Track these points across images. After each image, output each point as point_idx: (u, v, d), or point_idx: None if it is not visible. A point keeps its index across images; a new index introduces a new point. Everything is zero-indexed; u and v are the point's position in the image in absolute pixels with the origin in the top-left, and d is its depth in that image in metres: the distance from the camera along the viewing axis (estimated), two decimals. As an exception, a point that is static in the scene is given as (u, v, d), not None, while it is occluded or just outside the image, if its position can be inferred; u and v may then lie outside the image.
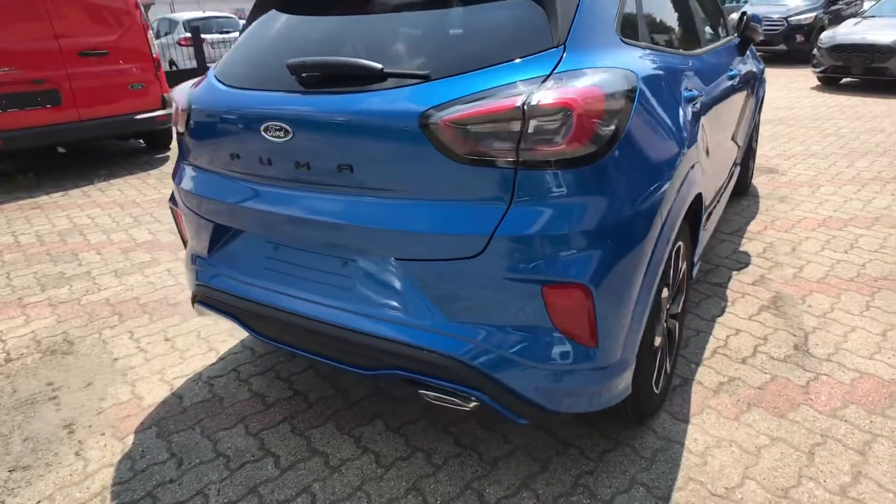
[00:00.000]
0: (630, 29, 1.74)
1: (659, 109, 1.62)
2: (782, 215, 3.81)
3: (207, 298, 1.99)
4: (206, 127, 1.76)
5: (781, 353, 2.32)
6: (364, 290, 1.57)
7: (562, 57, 1.40)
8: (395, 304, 1.53)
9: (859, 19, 8.97)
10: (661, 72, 1.73)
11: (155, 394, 2.31)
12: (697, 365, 2.28)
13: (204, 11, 15.29)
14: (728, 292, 2.84)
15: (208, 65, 12.90)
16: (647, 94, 1.55)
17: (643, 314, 1.54)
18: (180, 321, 2.86)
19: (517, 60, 1.39)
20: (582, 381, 1.46)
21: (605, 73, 1.41)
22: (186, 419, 2.15)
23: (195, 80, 2.06)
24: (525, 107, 1.27)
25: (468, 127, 1.31)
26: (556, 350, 1.42)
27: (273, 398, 2.23)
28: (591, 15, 1.51)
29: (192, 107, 1.80)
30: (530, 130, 1.28)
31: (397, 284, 1.51)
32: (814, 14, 10.99)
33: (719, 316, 2.64)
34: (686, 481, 1.72)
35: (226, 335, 2.71)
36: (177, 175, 2.02)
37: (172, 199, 2.13)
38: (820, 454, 1.80)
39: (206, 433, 2.06)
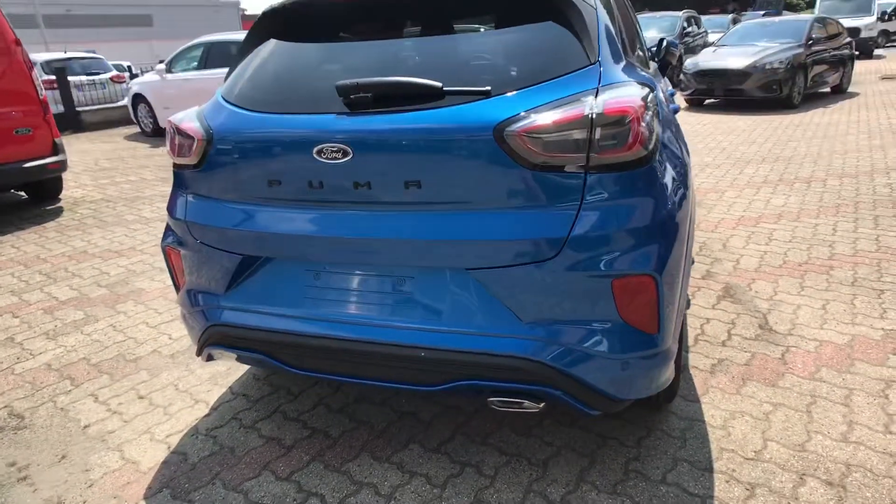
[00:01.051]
0: (622, 47, 1.97)
1: (666, 117, 1.85)
2: (702, 218, 4.31)
3: (225, 339, 1.89)
4: (237, 155, 1.71)
5: (751, 333, 2.65)
6: (430, 305, 1.60)
7: (601, 72, 1.57)
8: (465, 314, 1.57)
9: (715, 48, 10.42)
10: (654, 85, 1.97)
11: (151, 455, 2.11)
12: (687, 352, 2.53)
13: (66, 52, 14.10)
14: (686, 287, 3.17)
15: (78, 108, 11.92)
16: (659, 103, 1.77)
17: (682, 300, 1.73)
18: (149, 376, 2.63)
19: (564, 76, 1.54)
20: (645, 367, 1.60)
21: (635, 84, 1.60)
22: (200, 475, 1.99)
23: (188, 111, 1.98)
24: (592, 115, 1.42)
25: (542, 136, 1.42)
26: (624, 340, 1.54)
27: (290, 440, 2.13)
28: (607, 35, 1.70)
29: (216, 135, 1.73)
30: (597, 137, 1.42)
31: (468, 295, 1.57)
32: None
33: (687, 309, 2.94)
34: (720, 452, 1.91)
35: (208, 384, 2.53)
36: (180, 210, 1.91)
37: (170, 238, 2.00)
38: (815, 411, 2.08)
39: (231, 486, 1.92)
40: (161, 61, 10.66)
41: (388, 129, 1.51)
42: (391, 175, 1.53)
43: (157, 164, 7.64)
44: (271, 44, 1.90)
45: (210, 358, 2.02)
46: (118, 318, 3.24)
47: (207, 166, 1.78)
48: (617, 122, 1.43)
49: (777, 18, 12.79)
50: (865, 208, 4.26)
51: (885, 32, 20.17)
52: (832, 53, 10.12)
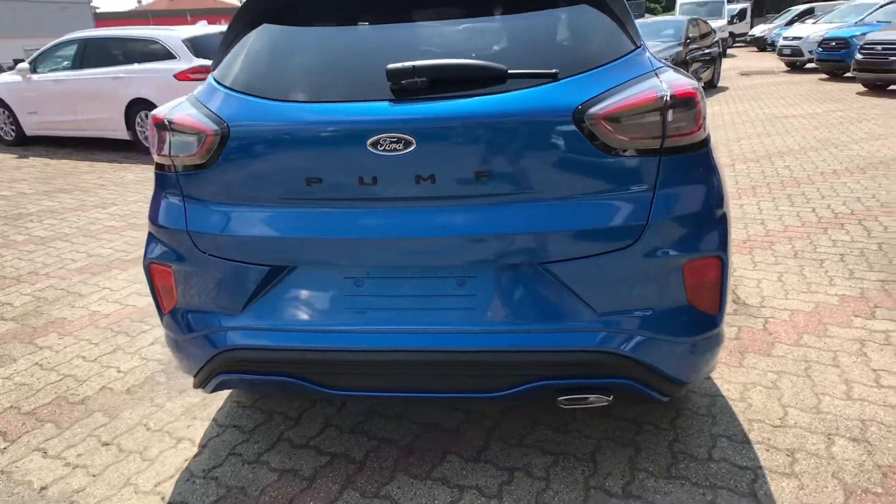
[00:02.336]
0: None
1: None
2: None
3: (242, 364, 1.64)
4: (262, 150, 1.48)
5: (730, 308, 2.81)
6: (497, 305, 1.49)
7: (648, 57, 1.55)
8: (537, 311, 1.48)
9: None
10: None
11: (143, 511, 1.79)
12: (679, 331, 2.62)
13: None
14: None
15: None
16: None
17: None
18: (107, 418, 2.25)
19: (618, 60, 1.50)
20: (707, 348, 1.60)
21: (675, 70, 1.60)
22: (215, 525, 1.72)
23: (175, 104, 1.70)
24: (666, 98, 1.39)
25: (622, 119, 1.37)
26: (691, 323, 1.54)
27: (309, 470, 1.91)
28: (634, 20, 1.69)
29: (233, 129, 1.48)
30: (669, 119, 1.40)
31: (540, 290, 1.48)
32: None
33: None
34: (749, 424, 1.99)
35: (185, 419, 2.22)
36: (174, 219, 1.63)
37: (158, 252, 1.70)
38: (814, 375, 2.24)
39: (257, 532, 1.68)
40: (19, 60, 9.33)
41: (458, 116, 1.37)
42: (459, 166, 1.40)
43: (35, 177, 6.66)
44: (275, 27, 1.68)
45: (218, 388, 1.76)
46: (43, 355, 2.75)
47: (220, 165, 1.52)
48: (685, 104, 1.42)
49: (654, 18, 13.89)
50: (777, 188, 4.73)
51: (731, 34, 22.81)
52: (704, 51, 11.17)
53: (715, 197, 1.50)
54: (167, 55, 7.11)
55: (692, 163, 1.47)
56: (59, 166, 7.22)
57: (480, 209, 1.43)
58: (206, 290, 1.65)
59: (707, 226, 1.49)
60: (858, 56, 9.36)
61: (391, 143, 1.38)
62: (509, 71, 1.41)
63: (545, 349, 1.48)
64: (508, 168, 1.40)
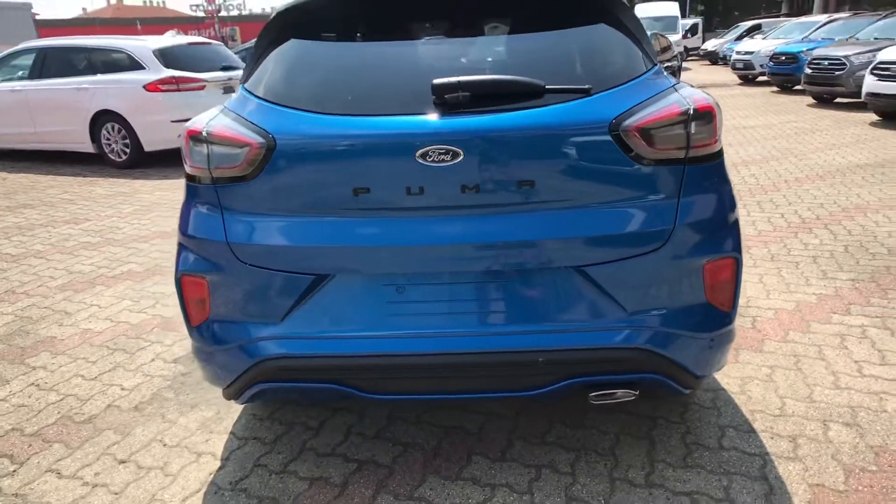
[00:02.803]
0: None
1: None
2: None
3: (282, 373, 1.68)
4: (310, 162, 1.54)
5: (718, 308, 2.99)
6: (535, 307, 1.59)
7: (664, 74, 1.70)
8: (572, 312, 1.59)
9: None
10: None
11: (175, 525, 1.80)
12: (675, 332, 2.78)
13: None
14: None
15: None
16: None
17: None
18: (119, 436, 2.23)
19: (641, 76, 1.63)
20: (722, 343, 1.74)
21: (690, 86, 1.75)
22: (253, 535, 1.74)
23: (208, 116, 1.73)
24: (690, 111, 1.53)
25: (653, 131, 1.50)
26: (709, 319, 1.67)
27: (339, 477, 1.96)
28: (649, 39, 1.84)
29: (280, 141, 1.54)
30: (692, 131, 1.54)
31: (576, 291, 1.58)
32: None
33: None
34: (751, 414, 2.14)
35: (202, 433, 2.22)
36: (213, 231, 1.66)
37: (193, 265, 1.73)
38: (803, 367, 2.42)
39: (297, 538, 1.72)
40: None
41: (504, 129, 1.48)
42: (503, 176, 1.50)
43: (-6, 192, 6.41)
44: (309, 41, 1.74)
45: (252, 399, 1.78)
46: (38, 376, 2.69)
47: (265, 177, 1.57)
48: (705, 118, 1.56)
49: None
50: (746, 196, 5.02)
51: (686, 48, 23.94)
52: (665, 65, 11.67)
53: (729, 203, 1.65)
54: (135, 66, 6.99)
55: (710, 171, 1.61)
56: (18, 181, 6.97)
57: (522, 216, 1.54)
58: (244, 301, 1.68)
59: (724, 229, 1.63)
60: (807, 70, 9.98)
61: (440, 154, 1.47)
62: (547, 86, 1.52)
63: (581, 347, 1.58)
64: (548, 177, 1.51)
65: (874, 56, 8.03)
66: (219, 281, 1.69)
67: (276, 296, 1.65)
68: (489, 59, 1.67)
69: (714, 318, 1.69)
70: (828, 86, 9.66)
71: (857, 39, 10.22)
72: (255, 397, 1.78)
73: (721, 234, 1.63)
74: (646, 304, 1.61)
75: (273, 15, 1.83)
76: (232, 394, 1.81)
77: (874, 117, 8.50)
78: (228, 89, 7.38)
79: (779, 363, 2.46)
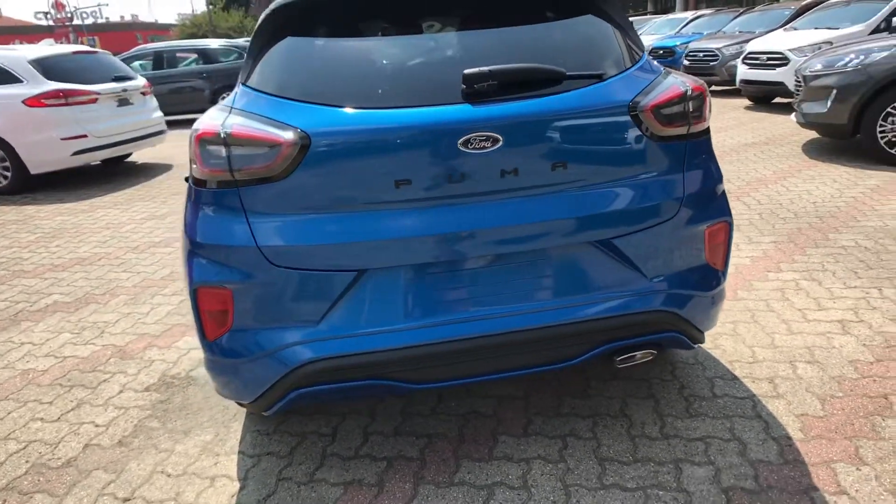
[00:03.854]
0: None
1: None
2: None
3: (323, 375, 1.67)
4: (348, 157, 1.54)
5: (672, 277, 3.30)
6: (569, 281, 1.71)
7: (652, 62, 1.89)
8: (602, 282, 1.73)
9: None
10: None
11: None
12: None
13: None
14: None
15: None
16: None
17: None
18: (111, 474, 2.08)
19: (636, 64, 1.80)
20: (720, 299, 1.96)
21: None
22: (303, 546, 1.71)
23: (215, 116, 1.67)
24: (688, 92, 1.72)
25: (662, 110, 1.67)
26: (709, 279, 1.88)
27: (372, 477, 1.96)
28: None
29: (314, 138, 1.53)
30: (691, 110, 1.73)
31: (604, 263, 1.72)
32: None
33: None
34: (730, 364, 2.42)
35: (207, 457, 2.12)
36: (238, 236, 1.61)
37: (213, 274, 1.66)
38: (759, 319, 2.75)
39: (352, 541, 1.71)
40: None
41: (539, 113, 1.58)
42: (540, 158, 1.60)
43: None
44: (321, 38, 1.74)
45: (284, 407, 1.74)
46: (31, 407, 2.41)
47: (298, 175, 1.55)
48: (699, 98, 1.76)
49: None
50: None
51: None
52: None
53: (719, 173, 1.87)
54: (8, 79, 6.29)
55: (704, 146, 1.82)
56: None
57: (557, 196, 1.65)
58: (276, 306, 1.65)
59: (718, 197, 1.85)
60: (685, 62, 11.06)
61: (481, 141, 1.54)
62: (567, 73, 1.64)
63: (613, 315, 1.73)
64: (578, 157, 1.64)
65: (742, 47, 9.07)
66: (246, 288, 1.64)
67: (313, 296, 1.63)
68: (500, 49, 1.75)
69: (713, 278, 1.90)
70: (704, 75, 10.75)
71: (724, 33, 11.48)
72: (286, 405, 1.74)
73: (716, 201, 1.85)
74: (662, 269, 1.78)
75: (269, 11, 1.80)
76: (262, 405, 1.76)
77: (748, 102, 9.61)
78: (124, 101, 6.86)
79: (738, 318, 2.78)
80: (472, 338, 1.67)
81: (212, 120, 1.65)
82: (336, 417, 2.28)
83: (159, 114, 7.49)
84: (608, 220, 1.68)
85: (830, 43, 7.63)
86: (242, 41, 13.52)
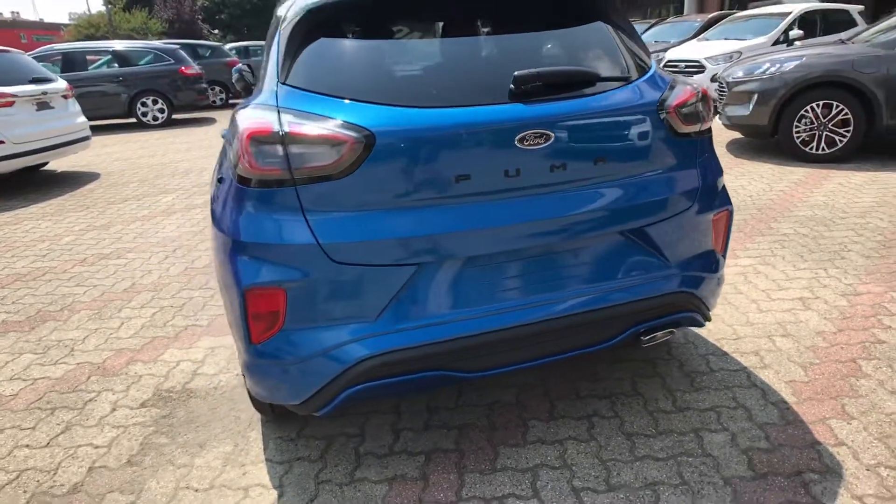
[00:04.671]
0: None
1: None
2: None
3: (382, 370, 1.69)
4: (411, 154, 1.58)
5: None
6: (605, 268, 1.83)
7: (660, 70, 2.06)
8: (634, 268, 1.86)
9: None
10: None
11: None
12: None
13: None
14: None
15: None
16: None
17: None
18: (131, 496, 1.97)
19: (650, 70, 1.96)
20: (722, 281, 2.15)
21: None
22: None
23: (256, 115, 1.65)
24: (699, 94, 1.90)
25: (683, 110, 1.83)
26: (715, 262, 2.07)
27: (414, 471, 1.99)
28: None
29: (379, 136, 1.55)
30: (701, 109, 1.91)
31: (635, 250, 1.86)
32: None
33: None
34: (718, 342, 2.65)
35: (233, 470, 2.06)
36: (297, 234, 1.60)
37: (266, 274, 1.63)
38: (731, 301, 3.02)
39: (412, 533, 1.74)
40: None
41: (584, 111, 1.68)
42: (584, 153, 1.71)
43: None
44: (362, 40, 1.77)
45: (337, 406, 1.73)
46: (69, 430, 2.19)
47: (362, 172, 1.57)
48: (704, 100, 1.94)
49: None
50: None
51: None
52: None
53: (720, 166, 2.07)
54: None
55: (710, 142, 2.01)
56: None
57: (597, 188, 1.76)
58: (334, 303, 1.65)
59: (721, 187, 2.05)
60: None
61: (535, 137, 1.63)
62: (601, 75, 1.77)
63: (644, 298, 1.87)
64: (615, 152, 1.76)
65: (662, 55, 9.76)
66: (303, 287, 1.63)
67: (372, 292, 1.65)
68: (529, 52, 1.85)
69: (718, 261, 2.10)
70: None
71: (640, 43, 12.26)
72: (342, 403, 1.73)
73: (721, 191, 2.04)
74: (681, 254, 1.95)
75: (304, 11, 1.80)
76: (314, 406, 1.75)
77: (666, 107, 10.33)
78: (43, 105, 6.35)
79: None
80: (523, 325, 1.75)
81: (260, 118, 1.63)
82: (359, 417, 2.28)
83: (83, 119, 6.98)
84: (642, 211, 1.82)
85: (740, 52, 8.41)
86: (160, 43, 12.82)
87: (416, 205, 1.63)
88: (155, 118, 11.72)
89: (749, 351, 2.56)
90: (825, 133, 5.65)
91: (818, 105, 5.55)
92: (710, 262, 2.05)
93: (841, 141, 5.61)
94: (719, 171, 2.05)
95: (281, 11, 2.00)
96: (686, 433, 2.07)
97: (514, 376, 2.45)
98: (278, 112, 1.64)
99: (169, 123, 11.95)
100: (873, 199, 4.57)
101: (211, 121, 12.60)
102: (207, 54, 15.11)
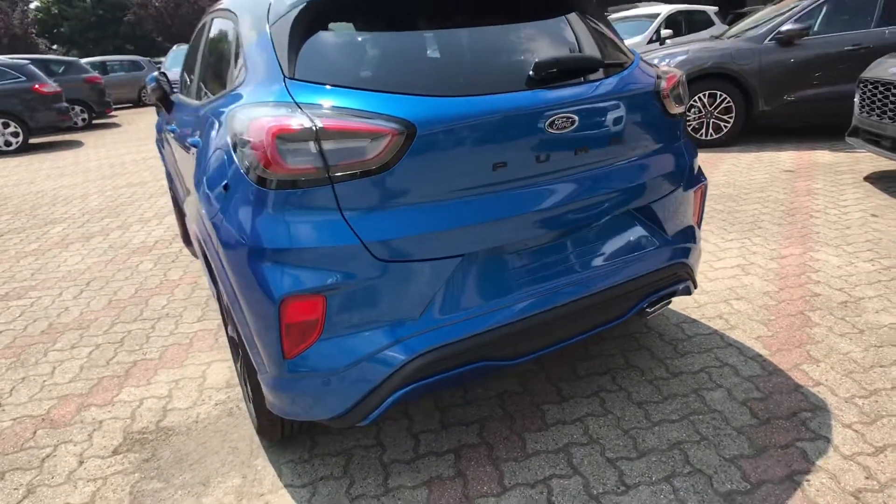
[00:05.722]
0: None
1: None
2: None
3: (431, 367, 1.67)
4: (450, 144, 1.58)
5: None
6: (622, 244, 1.94)
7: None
8: (643, 244, 2.00)
9: None
10: None
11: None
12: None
13: None
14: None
15: None
16: None
17: None
18: (140, 549, 1.78)
19: (636, 58, 2.12)
20: (700, 251, 2.38)
21: None
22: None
23: (271, 112, 1.57)
24: (682, 78, 2.08)
25: (672, 92, 1.99)
26: (695, 233, 2.28)
27: (449, 470, 1.98)
28: None
29: (420, 126, 1.54)
30: (681, 93, 2.10)
31: (643, 226, 1.99)
32: None
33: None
34: (684, 311, 2.89)
35: (252, 499, 1.94)
36: (339, 234, 1.53)
37: (303, 281, 1.55)
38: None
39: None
40: None
41: (602, 95, 1.78)
42: (601, 136, 1.81)
43: None
44: (374, 32, 1.75)
45: (384, 411, 1.68)
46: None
47: (403, 165, 1.54)
48: (682, 84, 2.14)
49: None
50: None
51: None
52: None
53: (694, 145, 2.28)
54: None
55: (685, 123, 2.21)
56: None
57: (612, 169, 1.87)
58: (376, 305, 1.60)
59: (696, 163, 2.26)
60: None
61: (563, 121, 1.70)
62: (605, 62, 1.89)
63: (653, 270, 2.01)
64: (625, 133, 1.88)
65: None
66: (345, 290, 1.57)
67: (418, 287, 1.63)
68: (532, 41, 1.93)
69: (697, 232, 2.31)
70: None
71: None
72: (386, 409, 1.69)
73: (698, 167, 2.25)
74: (676, 227, 2.12)
75: (305, 3, 1.74)
76: (358, 415, 1.68)
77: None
78: None
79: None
80: (557, 307, 1.81)
81: (282, 115, 1.55)
82: (370, 428, 2.22)
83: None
84: (648, 188, 1.97)
85: (623, 52, 9.15)
86: (6, 58, 11.39)
87: (457, 195, 1.64)
88: (8, 143, 10.41)
89: (714, 315, 2.83)
90: (712, 120, 6.34)
91: (705, 95, 6.21)
92: (694, 233, 2.25)
93: (725, 126, 6.33)
94: (695, 150, 2.26)
95: (256, 7, 1.91)
96: (688, 395, 2.25)
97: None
98: (299, 107, 1.57)
99: (26, 149, 10.67)
100: (764, 176, 5.21)
101: (77, 143, 11.42)
102: (61, 70, 13.69)
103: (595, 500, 1.80)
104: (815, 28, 5.93)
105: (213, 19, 2.75)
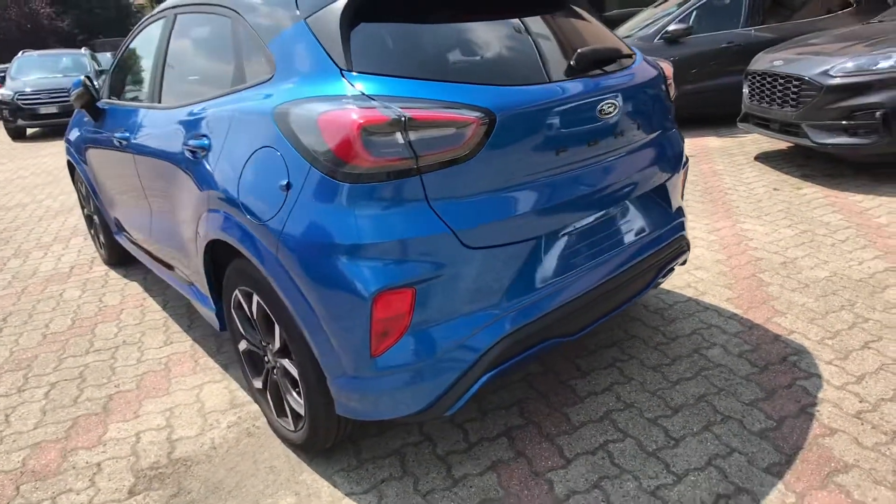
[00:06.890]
0: None
1: None
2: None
3: (514, 349, 1.75)
4: (527, 131, 1.67)
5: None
6: (650, 218, 2.14)
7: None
8: (660, 219, 2.21)
9: None
10: None
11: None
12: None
13: None
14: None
15: None
16: None
17: None
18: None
19: (635, 49, 2.34)
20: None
21: None
22: (518, 526, 1.76)
23: (348, 106, 1.55)
24: (671, 69, 2.33)
25: (670, 82, 2.23)
26: (683, 209, 2.55)
27: (506, 453, 2.06)
28: None
29: (499, 115, 1.60)
30: (671, 82, 2.35)
31: (660, 202, 2.20)
32: None
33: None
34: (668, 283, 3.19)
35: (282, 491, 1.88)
36: (430, 224, 1.56)
37: (398, 277, 1.55)
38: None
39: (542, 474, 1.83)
40: None
41: (636, 82, 1.97)
42: (631, 119, 1.98)
43: None
44: (431, 24, 1.77)
45: (471, 396, 1.72)
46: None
47: (484, 153, 1.59)
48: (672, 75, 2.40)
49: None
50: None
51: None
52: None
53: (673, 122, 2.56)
54: None
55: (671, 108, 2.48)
56: None
57: (638, 149, 2.06)
58: (464, 293, 1.63)
59: (682, 143, 2.53)
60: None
61: (610, 107, 1.85)
62: (623, 52, 2.08)
63: (668, 242, 2.23)
64: (646, 116, 2.08)
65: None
66: (435, 281, 1.59)
67: (500, 271, 1.69)
68: (559, 34, 2.06)
69: (683, 208, 2.59)
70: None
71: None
72: (473, 394, 1.73)
73: (683, 146, 2.53)
74: (675, 204, 2.37)
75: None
76: (445, 405, 1.70)
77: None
78: None
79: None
80: (607, 281, 1.96)
81: (364, 107, 1.53)
82: (412, 426, 2.22)
83: None
84: (663, 168, 2.19)
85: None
86: None
87: (529, 179, 1.73)
88: None
89: (683, 285, 3.15)
90: (614, 113, 6.91)
91: (607, 90, 6.77)
92: (682, 208, 2.52)
93: (625, 119, 6.93)
94: (679, 132, 2.54)
95: (283, 4, 1.86)
96: (691, 355, 2.52)
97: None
98: (372, 99, 1.57)
99: None
100: (671, 161, 5.81)
101: None
102: None
103: (654, 456, 1.97)
104: (695, 28, 6.70)
105: (176, 17, 2.57)
